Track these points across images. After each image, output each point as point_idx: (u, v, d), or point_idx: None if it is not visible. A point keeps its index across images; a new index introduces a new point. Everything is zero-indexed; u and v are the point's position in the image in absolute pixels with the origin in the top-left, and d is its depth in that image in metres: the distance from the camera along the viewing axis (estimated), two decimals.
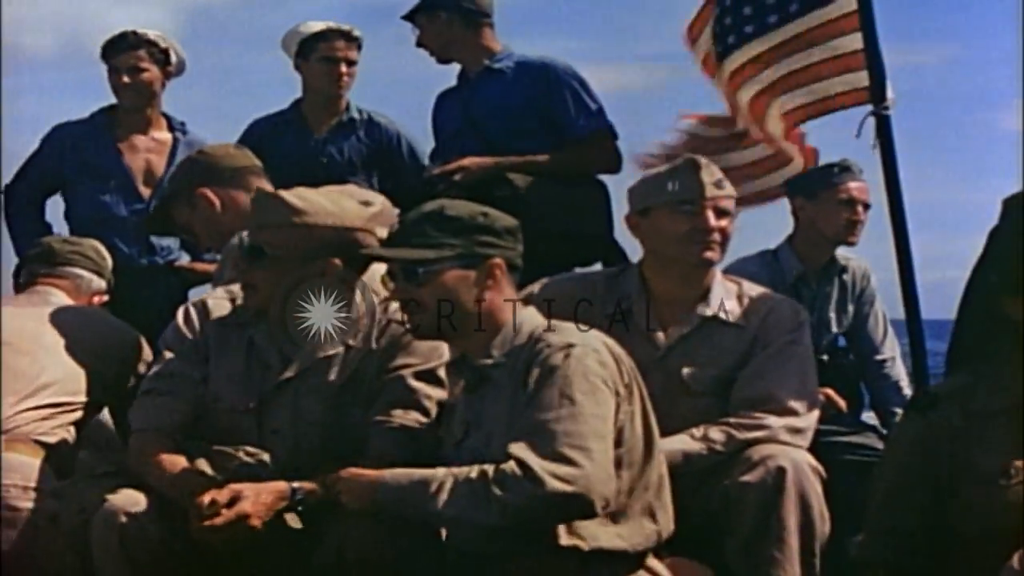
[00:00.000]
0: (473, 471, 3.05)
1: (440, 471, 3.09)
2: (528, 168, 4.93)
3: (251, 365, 3.59)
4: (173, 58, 5.58)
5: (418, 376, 3.53)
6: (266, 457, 3.50)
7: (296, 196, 3.58)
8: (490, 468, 3.03)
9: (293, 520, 3.33)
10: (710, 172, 3.75)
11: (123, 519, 3.36)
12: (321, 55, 5.47)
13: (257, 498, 3.28)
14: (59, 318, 4.09)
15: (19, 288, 4.44)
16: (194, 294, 5.38)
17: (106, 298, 4.43)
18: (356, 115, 5.56)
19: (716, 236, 3.72)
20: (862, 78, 4.65)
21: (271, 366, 3.58)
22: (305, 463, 3.46)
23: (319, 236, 3.52)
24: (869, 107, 4.63)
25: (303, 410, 3.54)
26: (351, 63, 5.49)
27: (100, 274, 4.41)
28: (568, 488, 2.99)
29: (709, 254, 3.73)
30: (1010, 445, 3.20)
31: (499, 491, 3.00)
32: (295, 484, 3.33)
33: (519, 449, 3.02)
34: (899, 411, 4.69)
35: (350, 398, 3.55)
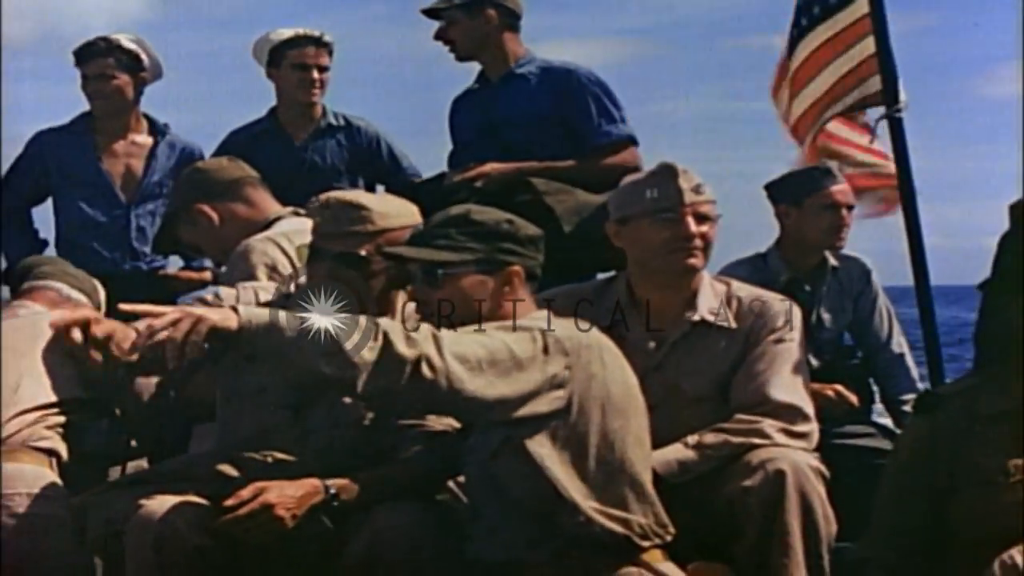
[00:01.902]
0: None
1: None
2: (550, 174, 4.92)
3: None
4: (145, 62, 5.59)
5: None
6: (294, 460, 3.52)
7: (371, 200, 3.67)
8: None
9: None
10: (688, 178, 3.74)
11: (160, 526, 3.35)
12: (292, 62, 5.47)
13: (282, 491, 3.31)
14: (28, 323, 4.10)
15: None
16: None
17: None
18: (333, 120, 5.58)
19: (698, 242, 3.71)
20: (875, 82, 4.70)
21: None
22: (336, 466, 3.49)
23: (398, 239, 3.56)
24: (881, 109, 4.73)
25: (341, 411, 3.57)
26: (323, 69, 5.50)
27: (82, 291, 4.37)
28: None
29: (692, 261, 3.72)
30: (1012, 447, 3.25)
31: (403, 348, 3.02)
32: (328, 481, 3.38)
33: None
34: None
35: (388, 402, 3.54)
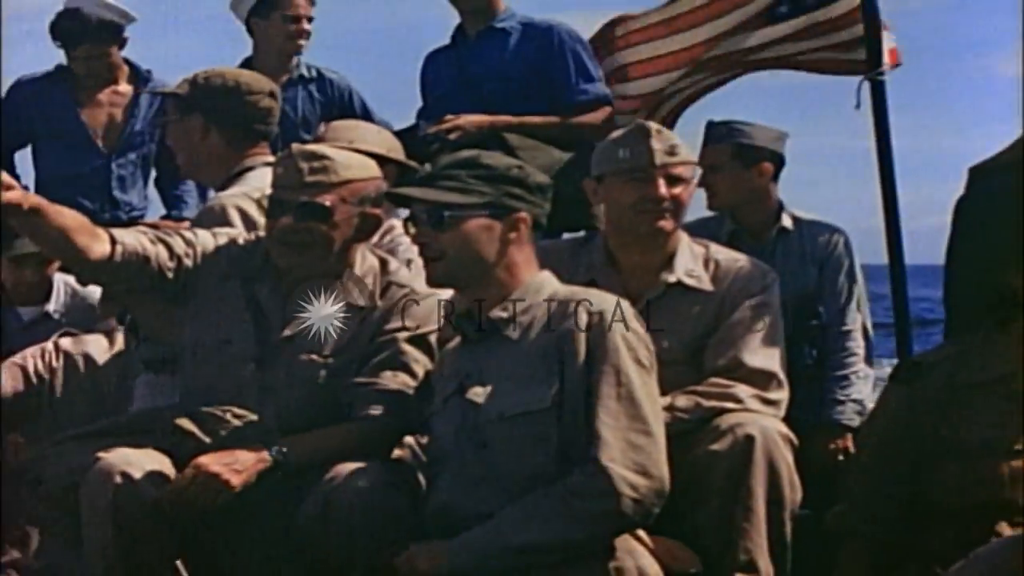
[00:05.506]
0: (542, 493, 3.11)
1: (505, 511, 3.12)
2: (524, 130, 4.88)
3: (256, 320, 3.60)
4: (123, 23, 5.53)
5: (410, 340, 3.54)
6: (254, 418, 3.49)
7: (334, 152, 3.66)
8: (566, 483, 3.10)
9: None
10: (662, 139, 3.69)
11: (117, 479, 3.33)
12: (284, 13, 5.43)
13: (221, 460, 3.32)
14: None
15: None
16: None
17: None
18: (306, 72, 5.53)
19: (667, 204, 3.66)
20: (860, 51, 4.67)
21: (272, 323, 3.58)
22: (296, 423, 3.48)
23: (361, 189, 3.61)
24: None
25: (298, 369, 3.54)
26: (311, 20, 5.48)
27: None
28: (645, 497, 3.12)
29: (661, 223, 3.68)
30: (994, 418, 3.23)
31: (583, 503, 3.08)
32: (279, 444, 3.38)
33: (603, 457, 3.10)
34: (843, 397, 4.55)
35: (345, 360, 3.54)
